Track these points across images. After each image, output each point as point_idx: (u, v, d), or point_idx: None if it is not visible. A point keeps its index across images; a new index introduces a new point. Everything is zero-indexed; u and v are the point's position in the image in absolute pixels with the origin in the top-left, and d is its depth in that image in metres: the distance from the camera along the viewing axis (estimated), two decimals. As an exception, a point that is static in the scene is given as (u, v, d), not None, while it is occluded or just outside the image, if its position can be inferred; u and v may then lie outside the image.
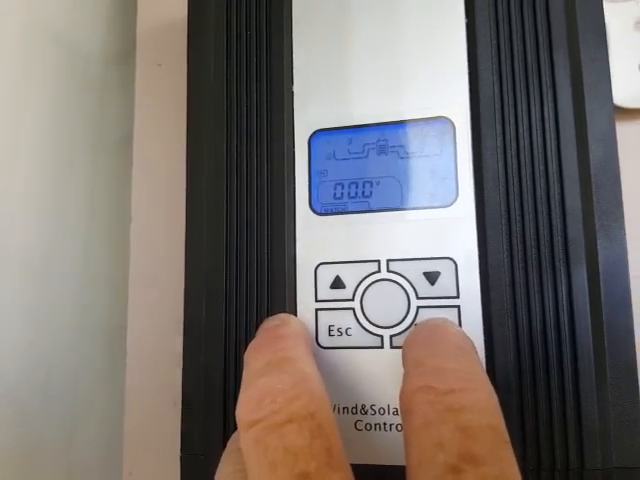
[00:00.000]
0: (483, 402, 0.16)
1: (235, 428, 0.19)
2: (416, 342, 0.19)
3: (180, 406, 0.24)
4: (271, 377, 0.18)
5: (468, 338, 0.19)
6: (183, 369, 0.24)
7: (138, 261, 0.33)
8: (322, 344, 0.23)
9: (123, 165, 0.36)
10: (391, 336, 0.22)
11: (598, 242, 0.21)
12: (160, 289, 0.32)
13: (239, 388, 0.22)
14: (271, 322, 0.22)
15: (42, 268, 0.32)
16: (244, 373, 0.19)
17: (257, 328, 0.23)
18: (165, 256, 0.32)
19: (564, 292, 0.21)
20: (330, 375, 0.22)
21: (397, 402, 0.21)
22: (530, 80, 0.22)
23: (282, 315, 0.22)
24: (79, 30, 0.36)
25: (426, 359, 0.18)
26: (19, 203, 0.30)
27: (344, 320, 0.23)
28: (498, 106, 0.22)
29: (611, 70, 0.26)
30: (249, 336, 0.23)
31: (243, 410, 0.17)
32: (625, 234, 0.21)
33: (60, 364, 0.33)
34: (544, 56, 0.22)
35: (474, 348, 0.19)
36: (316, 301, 0.23)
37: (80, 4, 0.36)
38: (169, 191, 0.32)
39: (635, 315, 0.21)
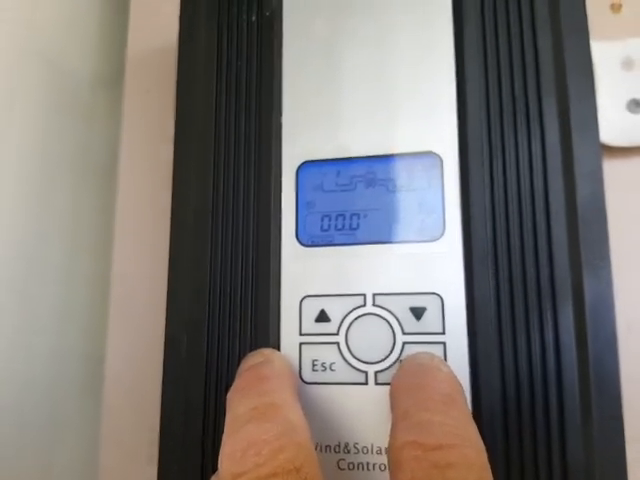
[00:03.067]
0: (471, 459, 0.16)
1: (214, 468, 0.18)
2: (403, 389, 0.19)
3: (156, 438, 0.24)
4: (256, 426, 0.17)
5: (456, 382, 0.19)
6: (162, 404, 0.23)
7: (120, 291, 0.32)
8: (305, 379, 0.22)
9: (108, 191, 0.36)
10: (376, 372, 0.22)
11: (584, 280, 0.21)
12: (141, 319, 0.32)
13: (219, 426, 0.22)
14: (254, 359, 0.21)
15: (21, 295, 0.31)
16: (227, 417, 0.18)
17: (239, 362, 0.22)
18: (148, 286, 0.31)
19: (550, 330, 0.21)
20: (313, 411, 0.22)
21: (381, 440, 0.21)
22: (518, 117, 0.22)
23: (265, 350, 0.22)
24: (69, 54, 0.36)
25: (414, 411, 0.17)
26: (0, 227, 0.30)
27: (328, 355, 0.22)
28: (486, 142, 0.22)
29: (599, 108, 0.26)
30: (231, 370, 0.23)
31: (226, 461, 0.17)
32: (611, 272, 0.21)
33: (37, 391, 0.33)
34: (532, 94, 0.22)
35: (463, 394, 0.19)
36: (300, 335, 0.23)
37: (72, 28, 0.36)
38: (154, 220, 0.32)
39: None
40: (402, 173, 0.23)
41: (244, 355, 0.23)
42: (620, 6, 0.30)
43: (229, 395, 0.19)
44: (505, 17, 0.23)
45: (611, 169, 0.26)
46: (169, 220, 0.26)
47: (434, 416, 0.17)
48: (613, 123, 0.27)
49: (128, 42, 0.36)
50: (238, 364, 0.22)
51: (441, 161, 0.23)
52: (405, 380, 0.19)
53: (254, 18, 0.25)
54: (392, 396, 0.19)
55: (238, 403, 0.18)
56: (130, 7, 0.36)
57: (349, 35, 0.24)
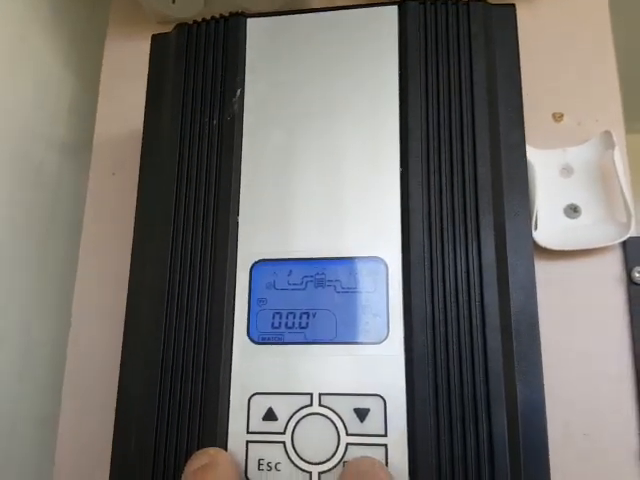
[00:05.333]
0: None
1: None
2: None
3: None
4: None
5: None
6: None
7: (74, 367, 0.33)
8: (251, 478, 0.23)
9: (70, 261, 0.36)
10: (319, 473, 0.22)
11: (517, 385, 0.22)
12: (91, 411, 0.32)
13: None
14: (199, 460, 0.21)
15: None
16: None
17: (187, 459, 0.22)
18: (100, 369, 0.31)
19: (485, 434, 0.22)
20: (256, 512, 0.22)
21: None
22: (457, 231, 0.23)
23: (211, 450, 0.22)
24: (38, 132, 0.37)
25: None
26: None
27: (274, 454, 0.23)
28: (427, 251, 0.23)
29: (538, 213, 0.28)
30: (179, 464, 0.23)
31: None
32: (542, 379, 0.22)
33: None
34: (470, 210, 0.24)
35: None
36: (247, 433, 0.23)
37: (40, 103, 0.38)
38: (112, 304, 0.32)
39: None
40: (350, 275, 0.24)
41: (192, 450, 0.23)
42: (562, 116, 0.32)
43: None
44: (448, 134, 0.25)
45: (548, 271, 0.28)
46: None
47: None
48: (551, 227, 0.29)
49: (95, 126, 0.37)
50: (185, 456, 0.23)
51: (386, 266, 0.24)
52: None
53: (215, 122, 0.26)
54: None
55: None
56: (99, 93, 0.37)
57: (304, 142, 0.26)
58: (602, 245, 0.28)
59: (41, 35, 0.38)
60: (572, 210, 0.29)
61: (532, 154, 0.28)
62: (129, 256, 0.27)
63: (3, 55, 0.34)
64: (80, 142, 0.40)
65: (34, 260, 0.37)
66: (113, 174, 0.35)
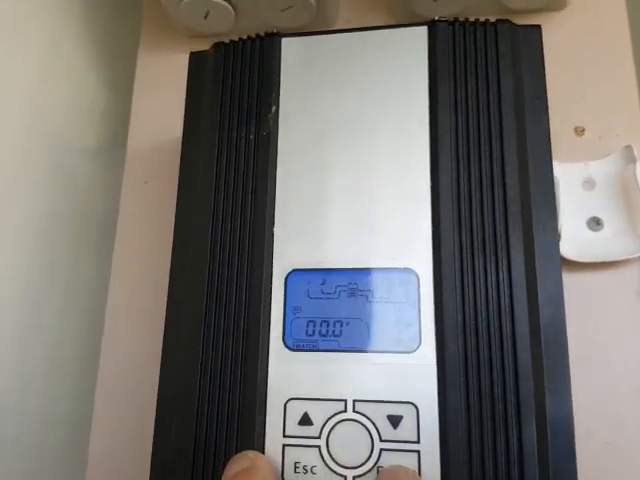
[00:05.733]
0: None
1: None
2: None
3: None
4: None
5: None
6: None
7: (107, 372, 0.34)
8: (287, 481, 0.23)
9: (103, 267, 0.37)
10: (354, 477, 0.23)
11: (546, 397, 0.23)
12: (129, 393, 0.33)
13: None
14: (240, 463, 0.22)
15: (17, 357, 0.32)
16: None
17: (225, 462, 0.23)
18: (137, 375, 0.32)
19: (515, 443, 0.22)
20: (293, 513, 0.23)
21: None
22: (487, 244, 0.24)
23: (250, 454, 0.23)
24: (71, 134, 0.38)
25: None
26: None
27: (310, 458, 0.24)
28: (458, 262, 0.24)
29: (561, 226, 0.29)
30: (217, 465, 0.24)
31: None
32: (570, 390, 0.23)
33: (22, 454, 0.33)
34: (499, 222, 0.24)
35: None
36: (284, 436, 0.24)
37: (74, 111, 0.39)
38: (147, 308, 0.33)
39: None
40: (382, 286, 0.25)
41: (230, 453, 0.24)
42: (583, 130, 0.33)
43: None
44: (477, 148, 0.26)
45: (570, 282, 0.29)
46: (163, 311, 0.27)
47: None
48: (575, 240, 0.30)
49: (128, 136, 0.38)
50: (224, 459, 0.24)
51: (417, 277, 0.25)
52: None
53: (252, 136, 0.27)
54: None
55: None
56: (131, 104, 0.39)
57: (337, 156, 0.27)
58: (623, 258, 0.29)
59: (74, 44, 0.39)
60: (595, 223, 0.30)
61: (555, 168, 0.29)
62: (161, 261, 0.28)
63: (37, 62, 0.35)
64: (112, 151, 0.41)
65: (67, 265, 0.38)
66: (145, 182, 0.36)
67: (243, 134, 0.28)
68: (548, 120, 0.27)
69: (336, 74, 0.28)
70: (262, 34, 0.29)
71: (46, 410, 0.35)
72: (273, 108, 0.28)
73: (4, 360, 0.32)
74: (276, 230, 0.27)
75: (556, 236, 0.25)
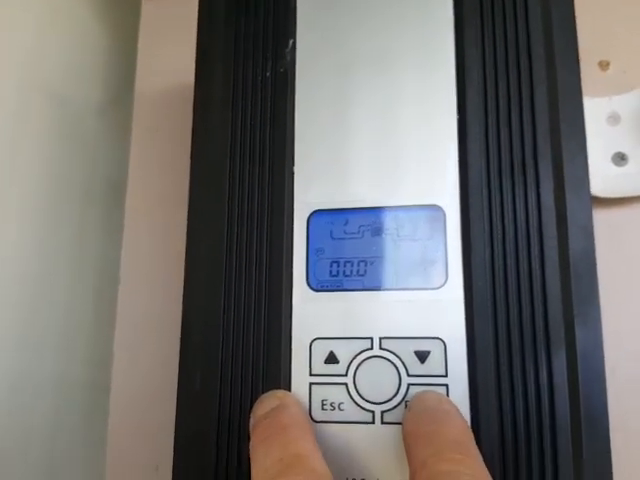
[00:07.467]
0: None
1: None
2: (417, 436, 0.20)
3: (163, 471, 0.25)
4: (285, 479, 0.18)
5: (467, 428, 0.20)
6: (175, 441, 0.24)
7: (125, 323, 0.34)
8: (315, 418, 0.23)
9: (115, 217, 0.37)
10: (382, 412, 0.23)
11: (576, 328, 0.23)
12: (148, 352, 0.33)
13: (231, 460, 0.23)
14: (269, 402, 0.22)
15: (27, 320, 0.32)
16: (254, 469, 0.19)
17: (252, 401, 0.23)
18: (155, 319, 0.32)
19: (545, 374, 0.22)
20: (322, 449, 0.23)
21: (387, 477, 0.22)
22: (515, 174, 0.24)
23: (278, 393, 0.23)
24: (74, 86, 0.37)
25: (432, 462, 0.18)
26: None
27: (337, 395, 0.24)
28: (486, 197, 0.24)
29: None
30: (244, 405, 0.24)
31: None
32: (600, 320, 0.23)
33: (39, 425, 0.33)
34: (529, 153, 0.24)
35: (473, 440, 0.20)
36: (310, 375, 0.24)
37: (78, 63, 0.38)
38: (162, 256, 0.33)
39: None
40: (407, 224, 0.25)
41: (256, 393, 0.24)
42: (608, 64, 0.32)
43: (252, 445, 0.20)
44: (505, 82, 0.25)
45: (598, 219, 0.28)
46: (178, 259, 0.27)
47: (452, 466, 0.18)
48: (600, 175, 0.29)
49: (136, 81, 0.37)
50: (251, 400, 0.24)
51: (444, 213, 0.24)
52: (418, 427, 0.20)
53: (268, 74, 0.27)
54: (406, 442, 0.21)
55: (264, 455, 0.19)
56: (138, 48, 0.37)
57: (359, 91, 0.26)
58: (649, 193, 0.29)
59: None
60: (619, 158, 0.29)
61: (580, 103, 0.28)
62: (177, 210, 0.28)
63: (37, 11, 0.34)
64: (119, 99, 0.40)
65: (77, 221, 0.37)
66: (157, 130, 0.35)
67: (259, 71, 0.27)
68: (577, 52, 0.26)
69: (358, 4, 0.27)
70: (276, -35, 0.28)
71: (61, 374, 0.35)
72: (290, 42, 0.27)
73: (15, 325, 0.31)
74: (296, 169, 0.26)
75: (586, 166, 0.24)
